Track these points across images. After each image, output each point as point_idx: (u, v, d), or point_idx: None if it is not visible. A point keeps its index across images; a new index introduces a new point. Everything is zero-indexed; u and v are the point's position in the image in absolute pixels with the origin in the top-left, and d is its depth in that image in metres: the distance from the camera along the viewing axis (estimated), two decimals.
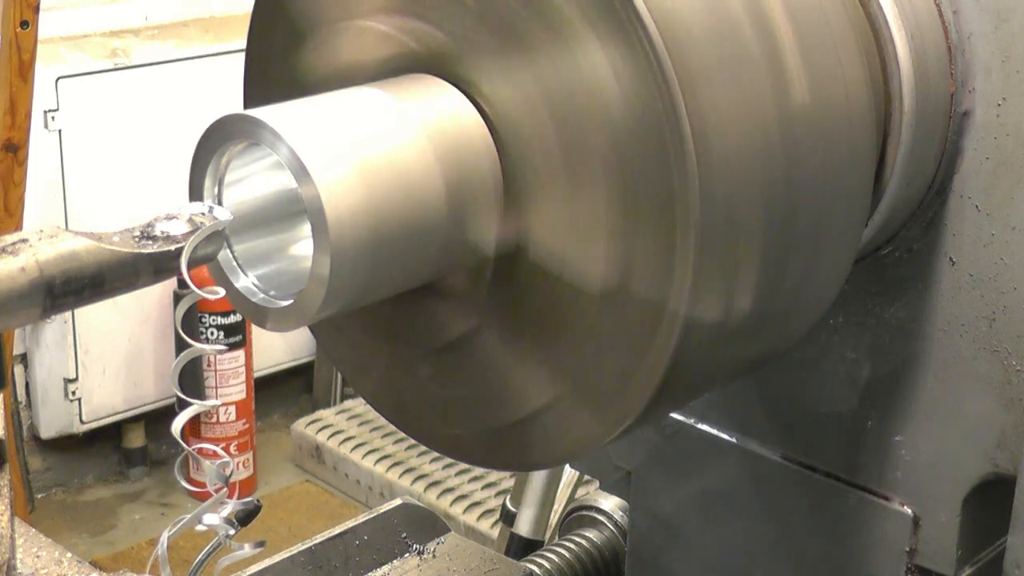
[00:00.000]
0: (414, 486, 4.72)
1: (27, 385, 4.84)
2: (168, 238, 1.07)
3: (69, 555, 1.36)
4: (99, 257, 1.03)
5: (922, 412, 1.46)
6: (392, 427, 1.42)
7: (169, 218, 1.09)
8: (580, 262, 1.17)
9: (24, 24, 3.53)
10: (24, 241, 1.00)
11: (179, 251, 1.07)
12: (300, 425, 5.23)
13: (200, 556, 1.27)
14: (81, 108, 4.58)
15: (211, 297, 1.13)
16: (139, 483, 5.11)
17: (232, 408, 4.89)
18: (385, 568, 1.68)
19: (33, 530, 1.39)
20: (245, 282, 1.17)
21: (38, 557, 1.35)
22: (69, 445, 4.92)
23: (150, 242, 1.06)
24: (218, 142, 1.14)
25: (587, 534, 2.00)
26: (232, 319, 4.79)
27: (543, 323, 1.21)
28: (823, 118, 1.20)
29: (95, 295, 1.03)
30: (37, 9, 3.58)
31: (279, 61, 1.34)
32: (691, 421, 1.63)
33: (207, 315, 4.77)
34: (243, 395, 4.92)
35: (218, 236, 1.11)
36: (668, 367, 1.14)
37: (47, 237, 1.01)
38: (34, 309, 0.99)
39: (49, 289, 0.99)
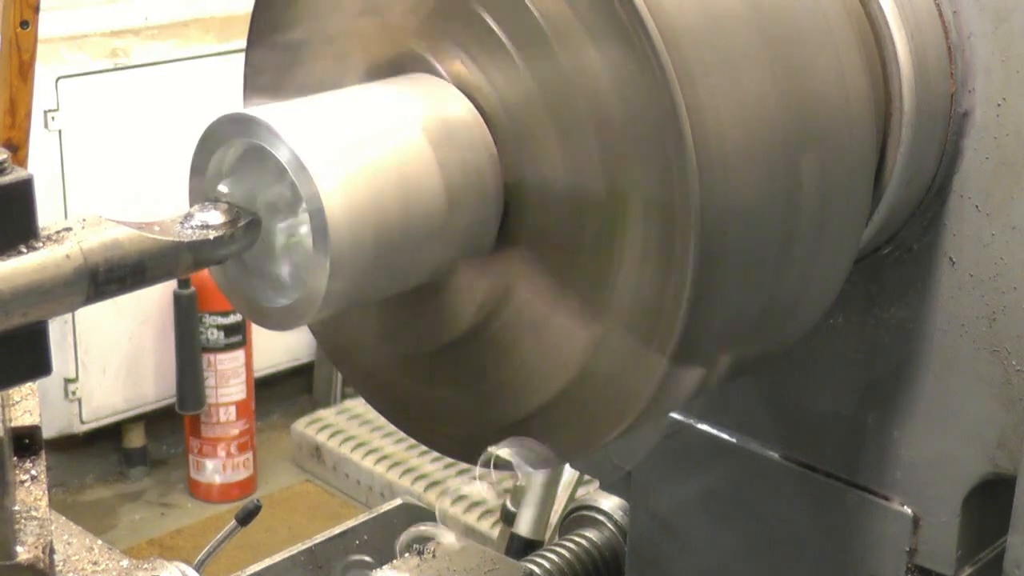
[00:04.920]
0: (414, 486, 4.72)
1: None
2: (206, 227, 1.08)
3: (100, 542, 1.37)
4: (141, 245, 1.04)
5: (922, 412, 1.46)
6: (392, 427, 1.41)
7: (207, 208, 1.10)
8: (585, 193, 1.17)
9: (24, 24, 3.52)
10: (68, 229, 1.01)
11: (218, 240, 1.08)
12: (300, 425, 5.23)
13: (211, 545, 1.28)
14: (81, 108, 4.58)
15: None
16: (139, 483, 5.11)
17: (232, 408, 4.89)
18: (385, 568, 1.68)
19: (63, 518, 1.40)
20: (245, 282, 1.17)
21: (69, 544, 1.37)
22: (69, 445, 4.92)
23: (190, 231, 1.08)
24: (218, 142, 1.14)
25: (587, 534, 2.00)
26: (232, 319, 4.79)
27: (566, 264, 1.20)
28: (823, 118, 1.20)
29: (136, 283, 1.04)
30: (37, 9, 3.57)
31: (279, 61, 1.34)
32: (691, 421, 1.63)
33: (207, 315, 4.77)
34: (243, 395, 4.92)
35: (254, 228, 1.12)
36: (694, 278, 1.12)
37: (90, 226, 1.03)
38: (78, 296, 1.01)
39: (93, 276, 1.01)
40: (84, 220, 1.03)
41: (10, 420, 1.28)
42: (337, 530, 1.69)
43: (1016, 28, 1.32)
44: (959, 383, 1.42)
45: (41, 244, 0.99)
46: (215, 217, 1.09)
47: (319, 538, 1.68)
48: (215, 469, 4.94)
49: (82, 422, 4.85)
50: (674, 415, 1.64)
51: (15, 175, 0.98)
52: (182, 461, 5.08)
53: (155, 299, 4.85)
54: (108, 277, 1.02)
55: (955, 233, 1.40)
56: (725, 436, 1.61)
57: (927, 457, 1.47)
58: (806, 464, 1.57)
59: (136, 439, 5.11)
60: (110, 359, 4.86)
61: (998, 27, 1.33)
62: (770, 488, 1.60)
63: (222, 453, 4.92)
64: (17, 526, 1.18)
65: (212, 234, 1.08)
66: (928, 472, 1.47)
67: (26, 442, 1.30)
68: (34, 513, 1.19)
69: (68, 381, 4.78)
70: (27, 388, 1.34)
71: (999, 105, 1.34)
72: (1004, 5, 1.33)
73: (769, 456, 1.59)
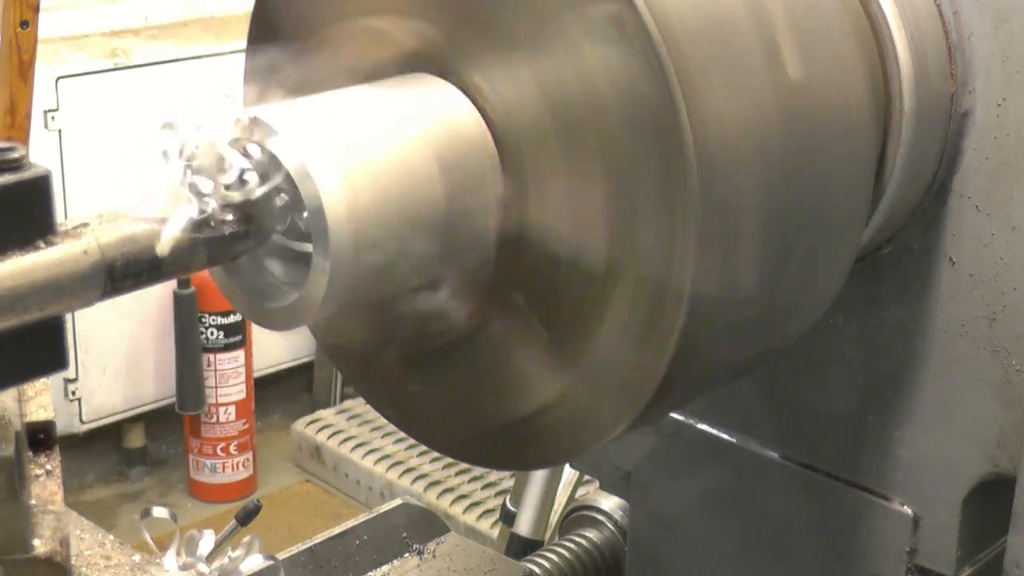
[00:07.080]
0: (414, 486, 4.72)
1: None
2: (221, 224, 1.08)
3: (111, 537, 1.37)
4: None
5: (922, 412, 1.46)
6: (392, 427, 1.42)
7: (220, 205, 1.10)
8: (582, 251, 1.17)
9: (24, 24, 3.52)
10: (85, 225, 1.02)
11: (232, 236, 1.08)
12: (300, 425, 5.23)
13: (215, 540, 1.28)
14: (81, 108, 4.58)
15: None
16: (139, 483, 5.11)
17: (232, 408, 4.89)
18: (385, 568, 1.68)
19: (75, 513, 1.40)
20: (245, 282, 1.17)
21: (81, 539, 1.37)
22: (69, 445, 4.91)
23: (205, 227, 1.08)
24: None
25: (587, 534, 2.00)
26: (232, 319, 4.79)
27: (549, 312, 1.21)
28: (823, 118, 1.20)
29: (153, 278, 1.05)
30: (37, 9, 3.57)
31: (279, 61, 1.34)
32: (691, 421, 1.63)
33: (207, 315, 4.77)
34: (243, 395, 4.92)
35: (267, 226, 1.12)
36: (674, 354, 1.14)
37: (107, 221, 1.03)
38: (94, 291, 1.01)
39: (110, 271, 1.01)
40: (101, 215, 1.04)
41: (25, 415, 1.29)
42: (337, 530, 1.69)
43: (1016, 28, 1.32)
44: (959, 383, 1.42)
45: (59, 239, 1.00)
46: (229, 214, 1.09)
47: (319, 538, 1.68)
48: (215, 469, 4.94)
49: (82, 422, 4.85)
50: (674, 415, 1.64)
51: (33, 171, 0.99)
52: (182, 461, 5.08)
53: (155, 299, 4.85)
54: (125, 272, 1.02)
55: (955, 233, 1.40)
56: (725, 436, 1.61)
57: (927, 457, 1.47)
58: (806, 464, 1.57)
59: (136, 439, 5.11)
60: (110, 359, 4.86)
61: (998, 27, 1.33)
62: (770, 488, 1.60)
63: (222, 453, 4.92)
64: (34, 520, 1.19)
65: (227, 230, 1.08)
66: (928, 472, 1.47)
67: (40, 437, 1.30)
68: (50, 507, 1.20)
69: (68, 381, 4.78)
70: (41, 384, 1.35)
71: (999, 105, 1.34)
72: (1004, 5, 1.33)
73: (769, 456, 1.59)
